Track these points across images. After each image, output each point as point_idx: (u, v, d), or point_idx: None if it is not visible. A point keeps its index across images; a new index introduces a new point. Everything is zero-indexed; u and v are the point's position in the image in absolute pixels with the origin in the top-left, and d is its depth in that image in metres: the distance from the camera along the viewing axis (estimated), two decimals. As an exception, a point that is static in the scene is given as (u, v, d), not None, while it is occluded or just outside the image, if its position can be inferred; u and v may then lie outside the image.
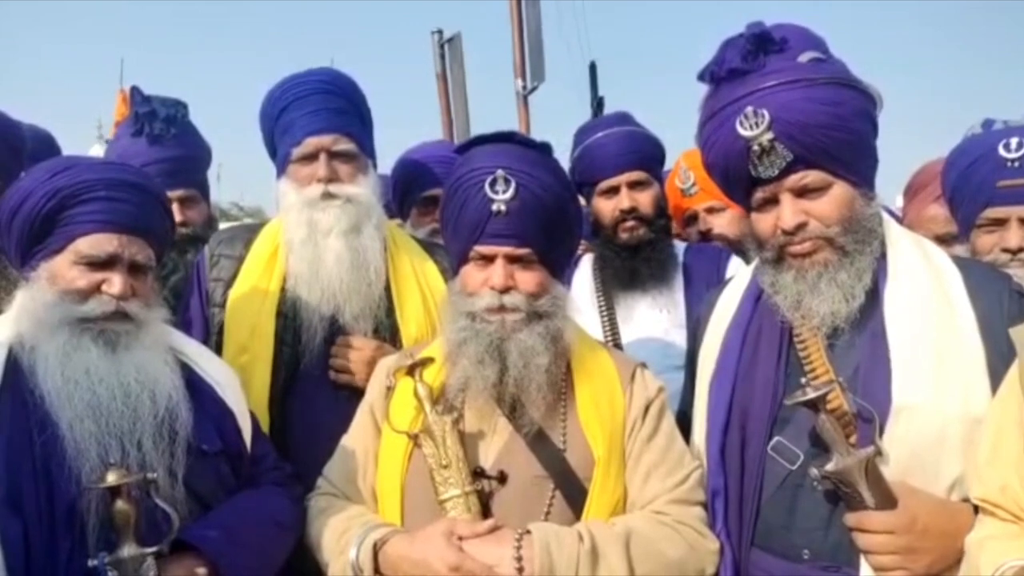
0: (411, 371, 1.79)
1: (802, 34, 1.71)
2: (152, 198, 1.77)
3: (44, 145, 2.85)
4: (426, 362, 1.80)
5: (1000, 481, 1.45)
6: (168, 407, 1.67)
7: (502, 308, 1.74)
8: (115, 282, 1.66)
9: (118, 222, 1.69)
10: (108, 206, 1.68)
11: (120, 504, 1.50)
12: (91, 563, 1.48)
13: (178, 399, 1.69)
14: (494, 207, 1.73)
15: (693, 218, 3.14)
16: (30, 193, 1.68)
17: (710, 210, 3.05)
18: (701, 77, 1.76)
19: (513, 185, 1.73)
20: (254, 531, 1.70)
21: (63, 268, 1.67)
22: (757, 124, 1.63)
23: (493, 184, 1.73)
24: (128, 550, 1.49)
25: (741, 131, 1.64)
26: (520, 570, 1.57)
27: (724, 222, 3.03)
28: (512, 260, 1.75)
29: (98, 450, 1.57)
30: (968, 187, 2.21)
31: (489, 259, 1.76)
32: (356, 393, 1.99)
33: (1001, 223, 2.14)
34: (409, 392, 1.78)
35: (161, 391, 1.67)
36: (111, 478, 1.49)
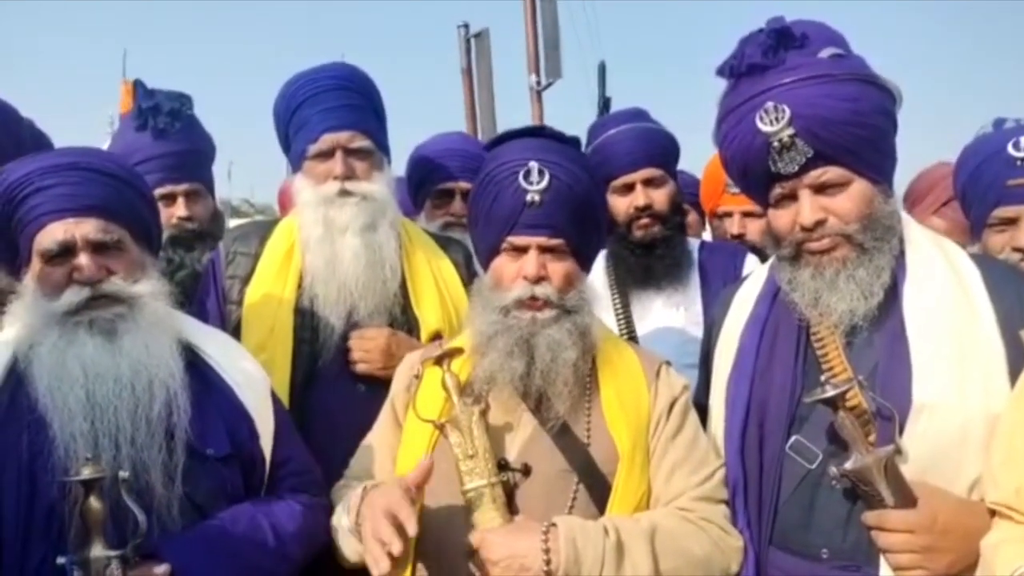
0: (439, 361, 1.79)
1: (822, 30, 1.71)
2: (93, 173, 1.68)
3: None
4: (454, 352, 1.80)
5: (1015, 484, 1.44)
6: (165, 399, 1.61)
7: (533, 299, 1.74)
8: (80, 267, 1.61)
9: (61, 208, 1.63)
10: (47, 195, 1.63)
11: (92, 501, 1.45)
12: (59, 561, 1.45)
13: (176, 389, 1.63)
14: (528, 197, 1.74)
15: (727, 214, 3.11)
16: None
17: (747, 214, 3.01)
18: (720, 72, 1.75)
19: (547, 176, 1.74)
20: (238, 543, 1.63)
21: (36, 270, 1.65)
22: (777, 119, 1.62)
23: (527, 175, 1.75)
24: (95, 551, 1.45)
25: (761, 126, 1.63)
26: (548, 562, 1.57)
27: (757, 228, 2.96)
28: (544, 251, 1.76)
29: (89, 450, 1.52)
30: (978, 186, 2.22)
31: (522, 250, 1.77)
32: (375, 389, 2.00)
33: (1012, 222, 2.15)
34: (436, 383, 1.78)
35: (159, 381, 1.62)
36: (84, 472, 1.45)
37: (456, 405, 1.73)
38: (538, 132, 1.88)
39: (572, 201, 1.77)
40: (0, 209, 1.65)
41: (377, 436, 1.90)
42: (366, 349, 2.21)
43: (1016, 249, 2.12)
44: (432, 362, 1.81)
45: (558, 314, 1.75)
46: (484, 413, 1.74)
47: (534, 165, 1.75)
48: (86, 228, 1.63)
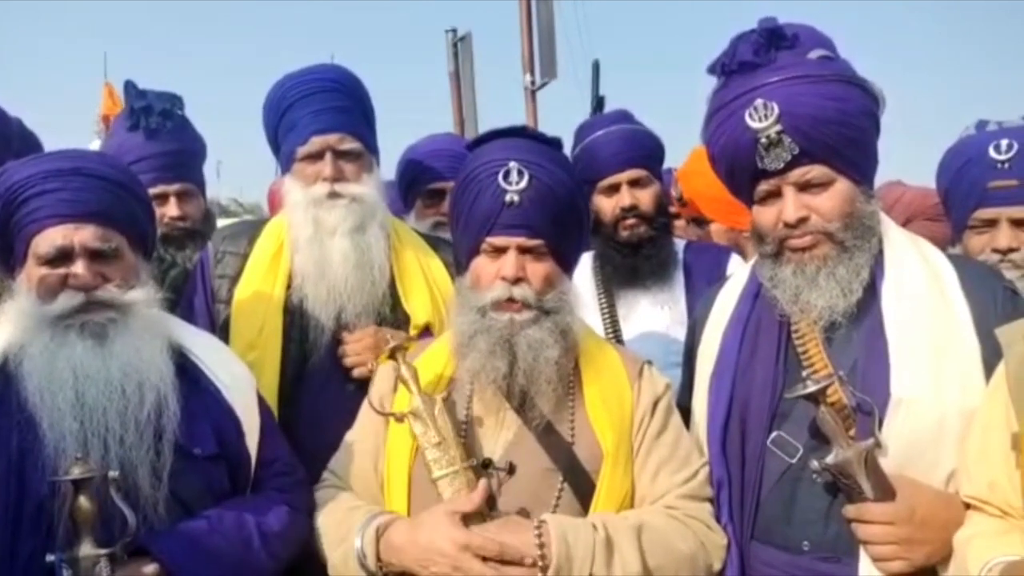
0: (392, 355, 1.78)
1: (811, 33, 1.75)
2: (95, 179, 1.68)
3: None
4: (404, 345, 1.80)
5: (988, 478, 1.48)
6: (155, 401, 1.62)
7: (511, 300, 1.74)
8: (76, 273, 1.62)
9: (62, 213, 1.63)
10: (48, 199, 1.63)
11: (82, 500, 1.46)
12: (48, 558, 1.47)
13: (166, 391, 1.64)
14: (507, 198, 1.74)
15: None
16: None
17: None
18: (711, 70, 1.78)
19: (526, 176, 1.74)
20: (225, 541, 1.64)
21: (32, 272, 1.65)
22: (766, 116, 1.65)
23: (507, 175, 1.74)
24: (84, 549, 1.46)
25: (750, 123, 1.66)
26: (543, 557, 1.58)
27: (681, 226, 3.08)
28: (524, 251, 1.76)
29: (78, 449, 1.53)
30: (960, 188, 2.25)
31: (501, 250, 1.77)
32: (363, 389, 2.01)
33: (992, 224, 2.18)
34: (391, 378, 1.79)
35: (149, 384, 1.63)
36: (74, 471, 1.46)
37: (415, 396, 1.73)
38: (519, 132, 1.88)
39: (552, 202, 1.77)
40: (2, 207, 1.65)
41: (361, 434, 1.90)
42: (357, 352, 2.22)
43: (995, 251, 2.15)
44: (385, 357, 1.80)
45: (536, 315, 1.75)
46: (447, 399, 1.74)
47: (514, 165, 1.74)
48: (85, 235, 1.64)
